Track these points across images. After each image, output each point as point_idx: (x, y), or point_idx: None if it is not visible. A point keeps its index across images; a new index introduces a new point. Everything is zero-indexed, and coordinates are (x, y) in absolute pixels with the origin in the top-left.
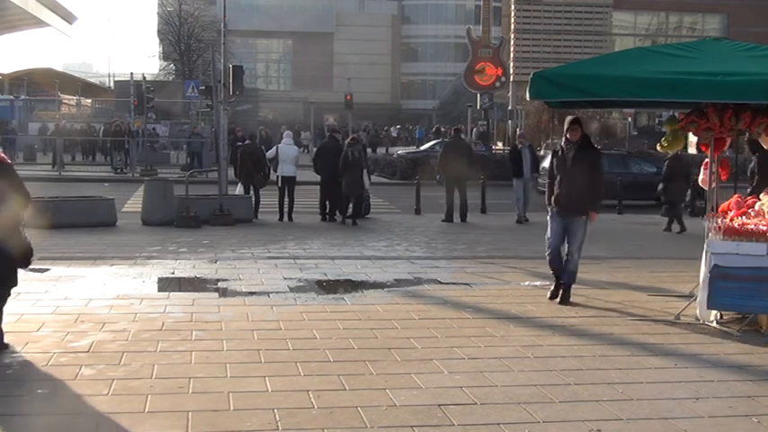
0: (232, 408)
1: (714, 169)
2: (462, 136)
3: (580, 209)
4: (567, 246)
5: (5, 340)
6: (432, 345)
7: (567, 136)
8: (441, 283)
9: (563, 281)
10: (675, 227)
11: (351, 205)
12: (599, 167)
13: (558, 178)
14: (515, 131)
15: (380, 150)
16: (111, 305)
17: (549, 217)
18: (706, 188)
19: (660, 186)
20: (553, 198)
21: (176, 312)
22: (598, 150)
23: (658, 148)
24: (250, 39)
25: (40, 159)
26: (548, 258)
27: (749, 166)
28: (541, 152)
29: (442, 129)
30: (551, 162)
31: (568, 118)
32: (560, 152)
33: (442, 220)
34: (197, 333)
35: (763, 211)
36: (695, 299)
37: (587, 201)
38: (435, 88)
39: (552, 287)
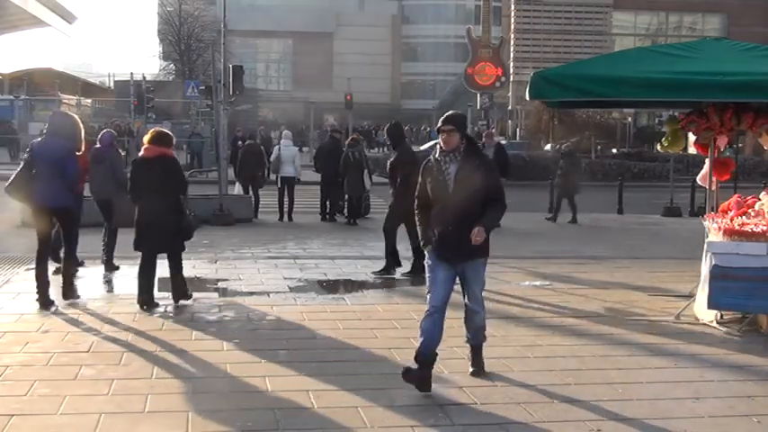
0: (232, 408)
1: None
2: None
3: (478, 248)
4: (465, 298)
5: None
6: None
7: (441, 143)
8: None
9: (472, 341)
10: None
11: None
12: (496, 183)
13: (438, 208)
14: (515, 131)
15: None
16: (111, 305)
17: (427, 262)
18: (705, 185)
19: (556, 180)
20: (434, 239)
21: (176, 312)
22: (488, 158)
23: (659, 148)
24: (250, 39)
25: None
26: (423, 325)
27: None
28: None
29: None
30: (422, 182)
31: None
32: (434, 168)
33: None
34: (197, 333)
35: (763, 211)
36: (695, 299)
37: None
38: (435, 88)
39: (417, 369)
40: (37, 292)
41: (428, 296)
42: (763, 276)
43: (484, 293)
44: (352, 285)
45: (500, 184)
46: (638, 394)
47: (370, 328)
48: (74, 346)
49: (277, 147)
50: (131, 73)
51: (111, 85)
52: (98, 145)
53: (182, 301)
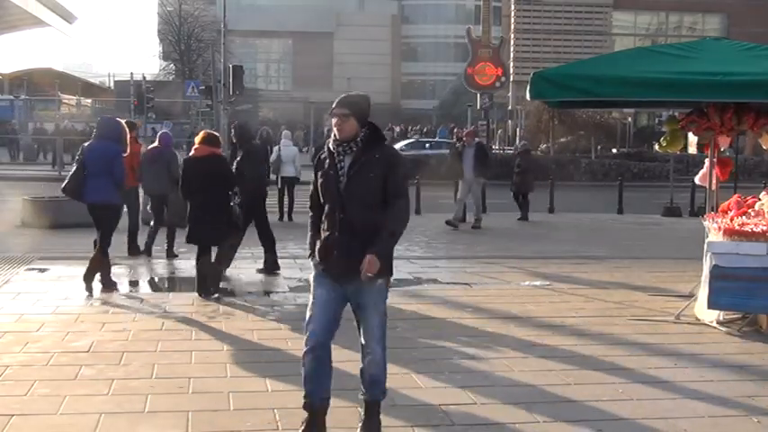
0: (232, 408)
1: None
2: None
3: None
4: (360, 334)
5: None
6: (432, 345)
7: (335, 132)
8: (441, 282)
9: (365, 396)
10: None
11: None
12: (398, 181)
13: (328, 210)
14: (515, 131)
15: None
16: (111, 304)
17: (312, 278)
18: (703, 185)
19: (513, 179)
20: (318, 249)
21: (176, 312)
22: (394, 150)
23: (657, 147)
24: (250, 39)
25: (40, 159)
26: (305, 365)
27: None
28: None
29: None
30: (315, 177)
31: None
32: (327, 160)
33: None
34: (197, 333)
35: (763, 211)
36: (695, 299)
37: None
38: (435, 88)
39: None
40: (101, 277)
41: (306, 325)
42: (763, 276)
43: (484, 293)
44: None
45: (404, 182)
46: (638, 394)
47: None
48: (74, 346)
49: (277, 147)
50: (131, 73)
51: (111, 85)
52: (156, 144)
53: (204, 295)
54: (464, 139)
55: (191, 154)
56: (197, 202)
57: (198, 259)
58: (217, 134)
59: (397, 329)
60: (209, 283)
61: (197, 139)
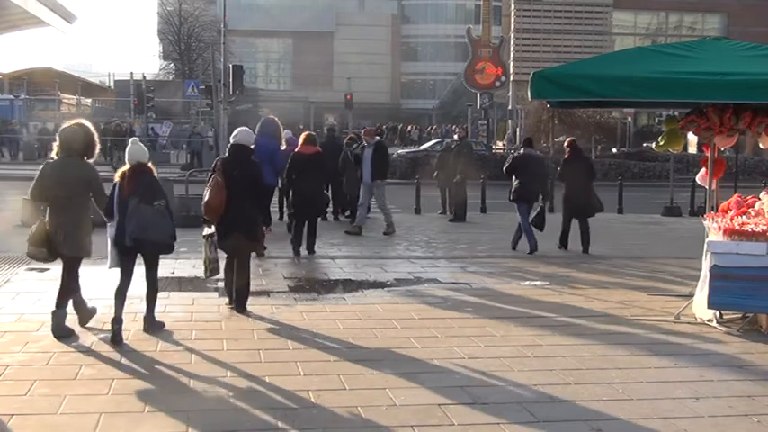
0: (232, 407)
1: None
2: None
3: None
4: None
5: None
6: (432, 344)
7: None
8: (441, 282)
9: None
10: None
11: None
12: None
13: None
14: (515, 131)
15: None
16: (111, 305)
17: None
18: (704, 185)
19: (434, 174)
20: None
21: (176, 312)
22: None
23: (654, 147)
24: (250, 38)
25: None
26: None
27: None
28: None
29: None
30: None
31: None
32: None
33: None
34: (197, 333)
35: (763, 211)
36: (695, 298)
37: None
38: (435, 88)
39: None
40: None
41: None
42: (762, 276)
43: (484, 293)
44: (352, 285)
45: None
46: (638, 394)
47: (369, 327)
48: (74, 346)
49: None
50: (131, 73)
51: (111, 84)
52: (284, 146)
53: (306, 253)
54: (364, 138)
55: (297, 150)
56: (302, 187)
57: (294, 231)
58: (314, 135)
59: (397, 329)
60: (309, 246)
61: (300, 140)
